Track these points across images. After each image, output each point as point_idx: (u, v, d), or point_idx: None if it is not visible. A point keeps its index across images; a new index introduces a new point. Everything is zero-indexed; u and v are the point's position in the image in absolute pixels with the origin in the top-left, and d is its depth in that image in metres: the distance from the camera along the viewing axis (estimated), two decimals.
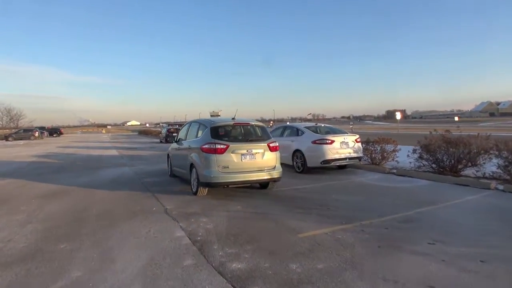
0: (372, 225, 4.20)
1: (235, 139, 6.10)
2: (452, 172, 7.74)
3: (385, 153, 9.37)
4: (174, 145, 7.88)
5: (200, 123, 6.70)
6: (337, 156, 8.13)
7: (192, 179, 6.28)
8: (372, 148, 9.41)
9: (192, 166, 6.24)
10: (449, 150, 7.77)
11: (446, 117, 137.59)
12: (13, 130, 47.96)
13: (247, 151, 5.88)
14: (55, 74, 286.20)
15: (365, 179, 7.69)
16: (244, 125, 6.45)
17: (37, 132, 40.91)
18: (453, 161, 7.71)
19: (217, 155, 5.69)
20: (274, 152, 6.17)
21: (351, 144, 8.41)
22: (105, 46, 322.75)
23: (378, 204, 5.27)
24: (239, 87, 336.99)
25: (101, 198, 6.11)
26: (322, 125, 9.48)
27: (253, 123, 6.61)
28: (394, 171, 8.33)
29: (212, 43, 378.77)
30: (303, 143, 8.47)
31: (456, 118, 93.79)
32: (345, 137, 8.38)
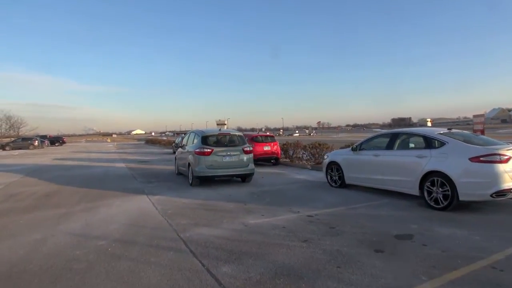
0: None
1: (219, 145, 8.08)
2: None
3: None
4: (180, 149, 9.81)
5: (196, 133, 8.74)
6: None
7: (189, 174, 8.27)
8: None
9: (189, 165, 8.23)
10: None
11: (455, 124, 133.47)
12: (12, 138, 45.09)
13: (227, 153, 7.90)
14: (60, 83, 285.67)
15: None
16: (226, 135, 8.51)
17: (36, 141, 38.07)
18: None
19: (205, 156, 7.72)
20: (248, 154, 8.14)
21: None
22: (110, 55, 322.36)
23: None
24: (247, 95, 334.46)
25: None
26: (457, 131, 5.97)
27: (232, 133, 8.72)
28: None
29: (221, 50, 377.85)
30: (448, 161, 5.09)
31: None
32: None
